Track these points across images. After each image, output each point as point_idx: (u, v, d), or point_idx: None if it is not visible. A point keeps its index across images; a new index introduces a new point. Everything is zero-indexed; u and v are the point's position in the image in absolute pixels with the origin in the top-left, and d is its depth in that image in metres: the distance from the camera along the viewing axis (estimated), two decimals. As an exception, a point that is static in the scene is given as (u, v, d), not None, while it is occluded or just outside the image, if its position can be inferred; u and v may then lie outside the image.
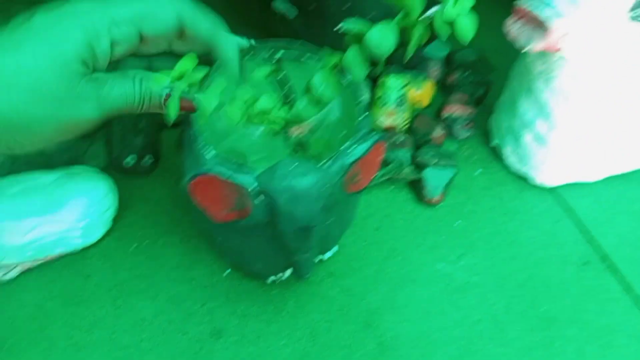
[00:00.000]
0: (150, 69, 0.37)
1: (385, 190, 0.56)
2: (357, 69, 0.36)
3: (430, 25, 0.34)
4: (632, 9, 0.41)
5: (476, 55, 0.67)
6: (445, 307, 0.48)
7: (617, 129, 0.51)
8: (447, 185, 0.55)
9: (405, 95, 0.58)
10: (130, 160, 0.53)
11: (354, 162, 0.37)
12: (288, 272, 0.48)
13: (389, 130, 0.58)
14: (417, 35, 0.34)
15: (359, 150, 0.38)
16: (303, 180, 0.35)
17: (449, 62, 0.67)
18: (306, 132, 0.39)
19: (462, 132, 0.60)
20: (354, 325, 0.47)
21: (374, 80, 0.60)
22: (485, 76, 0.64)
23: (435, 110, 0.62)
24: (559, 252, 0.52)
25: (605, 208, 0.56)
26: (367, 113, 0.40)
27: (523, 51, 0.45)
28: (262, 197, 0.36)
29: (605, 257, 0.52)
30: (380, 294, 0.49)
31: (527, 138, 0.53)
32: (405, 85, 0.58)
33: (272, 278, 0.48)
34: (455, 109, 0.60)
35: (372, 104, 0.59)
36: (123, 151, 0.54)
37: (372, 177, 0.41)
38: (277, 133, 0.38)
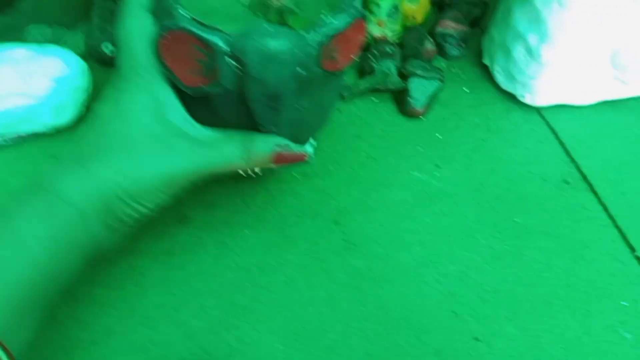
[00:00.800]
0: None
1: (369, 101, 0.55)
2: None
3: None
4: None
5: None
6: (416, 212, 0.47)
7: (613, 47, 0.49)
8: (431, 98, 0.53)
9: (398, 6, 0.56)
10: (107, 47, 0.52)
11: (331, 35, 0.36)
12: None
13: (378, 40, 0.56)
14: None
15: (338, 23, 0.36)
16: (275, 42, 0.34)
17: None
18: (287, 4, 0.38)
19: (453, 50, 0.58)
20: (322, 222, 0.46)
21: (366, -12, 0.58)
22: (484, -4, 0.62)
23: (428, 29, 0.60)
24: (539, 170, 0.51)
25: (592, 132, 0.54)
26: None
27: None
28: (231, 60, 0.35)
29: (585, 178, 0.50)
30: (352, 196, 0.48)
31: (519, 52, 0.52)
32: (398, -5, 0.56)
33: None
34: (449, 25, 0.58)
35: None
36: (100, 38, 0.52)
37: (351, 58, 0.39)
38: (257, 4, 0.37)
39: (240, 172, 0.41)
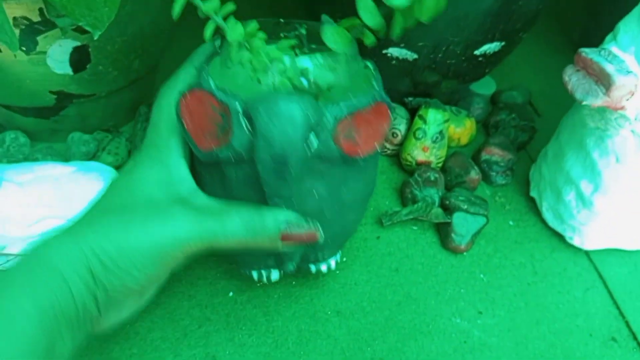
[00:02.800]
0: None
1: (409, 229, 0.53)
2: (368, 16, 0.34)
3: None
4: None
5: (523, 97, 0.63)
6: (457, 368, 0.45)
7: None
8: (476, 235, 0.51)
9: (444, 132, 0.55)
10: (148, 161, 0.51)
11: (349, 111, 0.35)
12: (275, 274, 0.44)
13: (421, 166, 0.55)
14: None
15: (357, 102, 0.36)
16: (288, 102, 0.33)
17: (494, 102, 0.64)
18: (313, 88, 0.37)
19: (499, 178, 0.57)
20: (355, 373, 0.44)
21: (413, 112, 0.57)
22: (530, 121, 0.60)
23: (472, 151, 0.59)
24: (586, 324, 0.48)
25: (643, 282, 0.51)
26: (376, 84, 0.38)
27: (580, 104, 0.41)
28: (244, 120, 0.34)
29: (634, 336, 0.47)
30: (389, 343, 0.45)
31: (569, 196, 0.49)
32: (446, 121, 0.55)
33: (256, 274, 0.44)
34: (495, 153, 0.57)
35: (408, 135, 0.56)
36: (142, 151, 0.51)
37: (373, 145, 0.38)
38: (285, 88, 0.36)
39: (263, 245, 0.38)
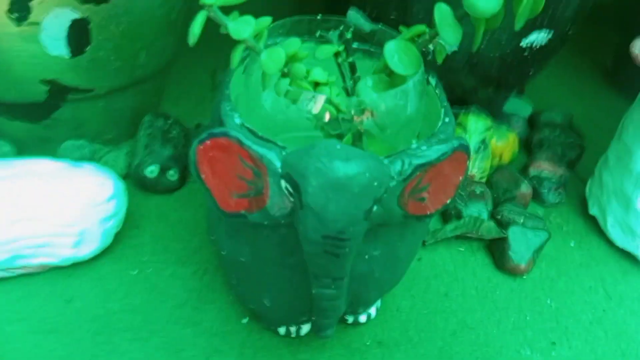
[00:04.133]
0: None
1: (455, 250, 0.45)
2: (448, 30, 0.27)
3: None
4: None
5: (563, 118, 0.58)
6: (535, 410, 0.35)
7: None
8: (537, 252, 0.43)
9: (487, 141, 0.48)
10: (152, 170, 0.44)
11: (421, 166, 0.27)
12: (306, 328, 0.36)
13: (464, 180, 0.48)
14: None
15: (432, 152, 0.28)
16: (345, 166, 0.25)
17: (532, 124, 0.58)
18: (370, 121, 0.30)
19: (551, 196, 0.49)
20: (408, 416, 0.34)
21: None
22: (577, 139, 0.54)
23: (519, 170, 0.52)
24: (685, 357, 0.39)
25: None
26: (450, 118, 0.31)
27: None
28: (285, 182, 0.26)
29: None
30: (446, 378, 0.36)
31: (644, 203, 0.42)
32: (488, 129, 0.49)
33: (283, 330, 0.36)
34: (545, 167, 0.50)
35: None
36: (145, 159, 0.45)
37: (444, 202, 0.30)
38: (328, 121, 0.29)
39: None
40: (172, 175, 0.45)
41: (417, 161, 0.27)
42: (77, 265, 0.39)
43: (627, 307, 0.42)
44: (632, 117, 0.44)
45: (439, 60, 0.30)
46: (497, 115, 0.55)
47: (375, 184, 0.26)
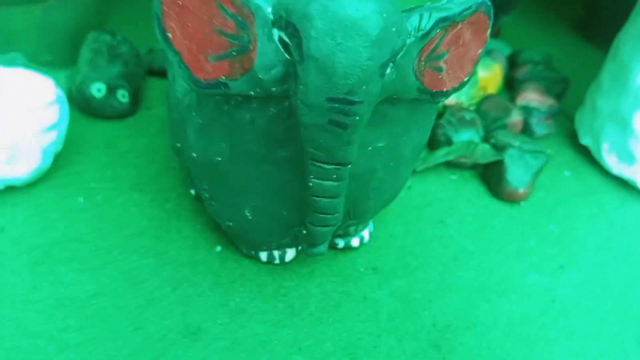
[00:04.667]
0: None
1: (446, 178, 0.41)
2: None
3: None
4: None
5: (543, 56, 0.55)
6: (550, 332, 0.31)
7: None
8: (535, 176, 0.40)
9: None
10: (99, 89, 0.38)
11: (443, 20, 0.23)
12: (291, 253, 0.31)
13: (451, 107, 0.44)
14: None
15: (455, 5, 0.23)
16: (358, 3, 0.20)
17: (512, 63, 0.55)
18: None
19: (541, 128, 0.46)
20: (414, 346, 0.29)
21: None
22: (560, 74, 0.51)
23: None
24: (698, 279, 0.36)
25: None
26: None
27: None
28: (279, 31, 0.21)
29: None
30: (452, 306, 0.31)
31: (643, 122, 0.39)
32: (476, 53, 0.45)
33: (265, 255, 0.31)
34: (532, 98, 0.47)
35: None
36: (90, 76, 0.38)
37: (461, 77, 0.26)
38: None
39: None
40: (123, 96, 0.39)
41: (437, 14, 0.23)
42: (10, 190, 0.32)
43: (632, 234, 0.39)
44: (629, 34, 0.41)
45: None
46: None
47: (394, 29, 0.21)
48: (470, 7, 0.23)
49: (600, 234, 0.38)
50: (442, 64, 0.24)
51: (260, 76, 0.22)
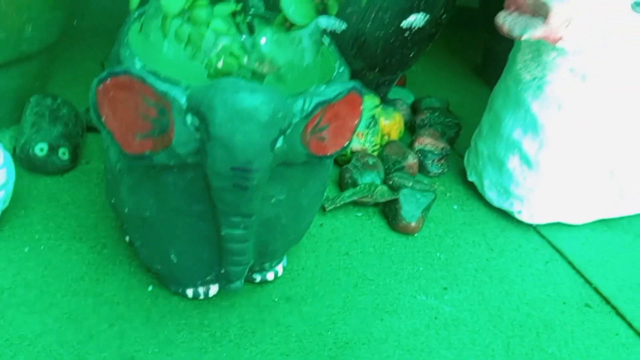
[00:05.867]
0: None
1: (353, 216, 0.47)
2: None
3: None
4: (639, -6, 0.38)
5: (442, 103, 0.63)
6: (433, 345, 0.37)
7: (612, 157, 0.47)
8: (425, 211, 0.47)
9: (376, 118, 0.52)
10: (41, 148, 0.42)
11: (321, 104, 0.29)
12: (214, 289, 0.36)
13: (357, 153, 0.51)
14: None
15: (330, 91, 0.30)
16: (251, 97, 0.26)
17: (414, 109, 0.63)
18: (270, 71, 0.31)
19: (435, 167, 0.54)
20: (318, 360, 0.35)
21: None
22: (454, 119, 0.60)
23: (406, 144, 0.56)
24: (556, 293, 0.44)
25: (597, 252, 0.49)
26: (344, 69, 0.33)
27: (521, 39, 0.40)
28: (191, 117, 0.27)
29: (607, 301, 0.44)
30: (352, 325, 0.38)
31: (513, 163, 0.47)
32: (377, 107, 0.52)
33: (191, 292, 0.36)
34: (427, 142, 0.55)
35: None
36: (33, 137, 0.42)
37: (342, 143, 0.32)
38: (232, 71, 0.31)
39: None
40: (64, 154, 0.43)
41: (317, 99, 0.29)
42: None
43: (507, 256, 0.47)
44: (499, 88, 0.50)
45: (332, 13, 0.32)
46: (384, 99, 0.59)
47: (280, 114, 0.27)
48: (342, 92, 0.30)
49: (480, 258, 0.46)
50: (324, 135, 0.31)
51: (178, 151, 0.28)
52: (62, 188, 0.43)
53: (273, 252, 0.36)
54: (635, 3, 0.39)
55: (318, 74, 0.34)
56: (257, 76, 0.31)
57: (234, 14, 0.33)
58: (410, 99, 0.64)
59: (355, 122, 0.32)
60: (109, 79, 0.27)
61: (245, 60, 0.31)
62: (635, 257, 0.49)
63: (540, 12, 0.39)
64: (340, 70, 0.33)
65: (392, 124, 0.55)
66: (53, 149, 0.43)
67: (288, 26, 0.32)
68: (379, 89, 0.57)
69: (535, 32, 0.39)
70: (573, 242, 0.49)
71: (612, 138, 0.45)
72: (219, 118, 0.26)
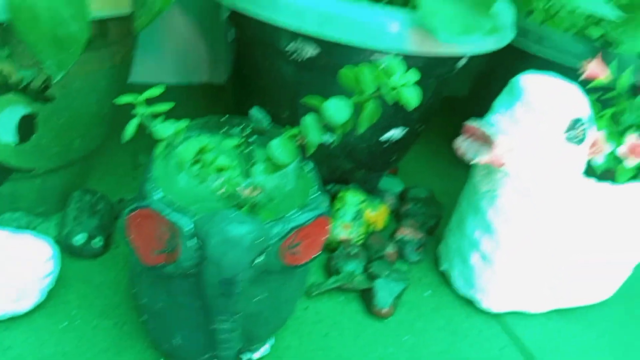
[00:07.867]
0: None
1: (336, 299, 0.55)
2: (313, 133, 0.39)
3: (380, 102, 0.39)
4: (567, 131, 0.47)
5: (427, 193, 0.72)
6: (391, 419, 0.45)
7: (559, 257, 0.54)
8: (397, 298, 0.55)
9: (361, 211, 0.61)
10: (79, 238, 0.52)
11: (294, 228, 0.38)
12: None
13: (343, 242, 0.59)
14: (369, 109, 0.38)
15: (302, 217, 0.39)
16: (238, 227, 0.35)
17: (402, 198, 0.72)
18: (258, 196, 0.41)
19: (413, 255, 0.62)
20: None
21: (333, 196, 0.63)
22: (436, 210, 0.68)
23: (389, 234, 0.64)
24: (507, 376, 0.51)
25: (551, 339, 0.56)
26: (319, 193, 0.42)
27: (472, 163, 0.49)
28: (194, 240, 0.36)
29: (553, 385, 0.51)
30: (323, 399, 0.45)
31: (474, 259, 0.55)
32: (362, 202, 0.61)
33: None
34: (407, 232, 0.63)
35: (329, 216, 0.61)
36: (74, 229, 0.52)
37: (312, 254, 0.41)
38: (231, 195, 0.40)
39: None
40: (97, 242, 0.53)
41: (291, 225, 0.38)
42: (14, 319, 0.46)
43: (467, 342, 0.54)
44: (465, 193, 0.58)
45: (308, 153, 0.42)
46: (372, 191, 0.68)
47: (259, 241, 0.36)
48: (312, 218, 0.39)
49: (444, 342, 0.53)
50: (298, 250, 0.40)
51: (182, 265, 0.37)
52: (95, 270, 0.53)
53: (257, 338, 0.44)
54: (568, 136, 0.47)
55: (299, 195, 0.43)
56: (247, 200, 0.41)
57: (237, 146, 0.43)
58: (400, 188, 0.73)
59: (324, 238, 0.41)
60: (136, 211, 0.36)
61: (241, 188, 0.40)
62: (584, 344, 0.56)
63: (487, 142, 0.48)
64: (315, 195, 0.42)
65: (377, 214, 0.64)
66: (90, 238, 0.52)
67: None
68: (368, 183, 0.66)
69: (483, 157, 0.48)
70: (529, 330, 0.57)
71: (556, 245, 0.53)
72: (213, 243, 0.35)
